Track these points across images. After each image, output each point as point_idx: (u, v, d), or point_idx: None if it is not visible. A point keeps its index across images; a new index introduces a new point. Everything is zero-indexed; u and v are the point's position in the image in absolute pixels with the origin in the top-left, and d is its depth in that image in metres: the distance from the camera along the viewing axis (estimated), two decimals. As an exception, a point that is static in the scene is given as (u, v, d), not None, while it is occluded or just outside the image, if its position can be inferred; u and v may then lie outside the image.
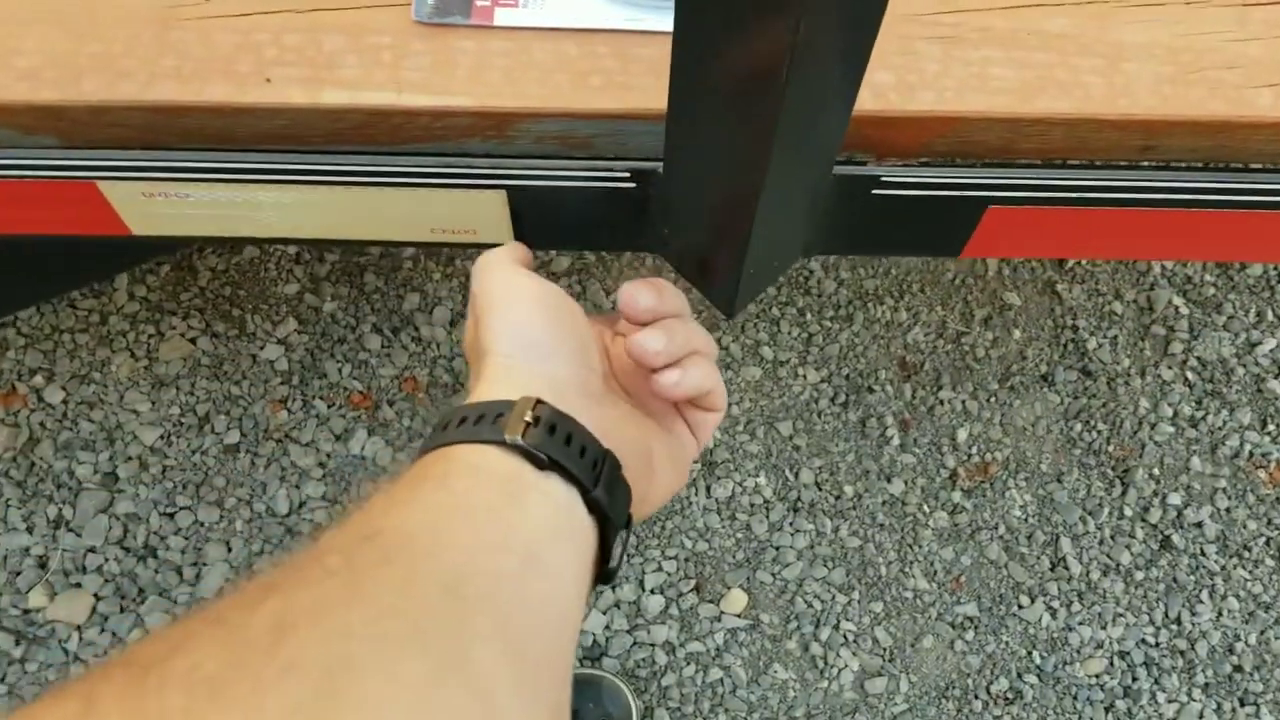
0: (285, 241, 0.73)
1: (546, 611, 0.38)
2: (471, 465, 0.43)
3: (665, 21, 0.66)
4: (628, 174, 0.64)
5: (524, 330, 0.50)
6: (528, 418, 0.43)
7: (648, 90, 0.66)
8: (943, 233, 0.69)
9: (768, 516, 1.26)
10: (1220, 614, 1.24)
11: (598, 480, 0.44)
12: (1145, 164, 0.70)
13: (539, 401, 0.44)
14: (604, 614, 1.21)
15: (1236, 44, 0.70)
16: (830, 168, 0.61)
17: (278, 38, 0.67)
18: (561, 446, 0.43)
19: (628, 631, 1.21)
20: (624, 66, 0.67)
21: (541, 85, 0.66)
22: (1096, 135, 0.69)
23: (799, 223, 0.65)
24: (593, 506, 0.44)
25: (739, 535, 1.25)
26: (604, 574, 0.46)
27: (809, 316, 1.34)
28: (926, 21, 0.68)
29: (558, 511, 0.43)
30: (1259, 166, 0.72)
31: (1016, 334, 1.35)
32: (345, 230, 0.70)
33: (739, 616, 1.23)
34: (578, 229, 0.68)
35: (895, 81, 0.66)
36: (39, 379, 1.27)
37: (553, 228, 0.69)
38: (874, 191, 0.64)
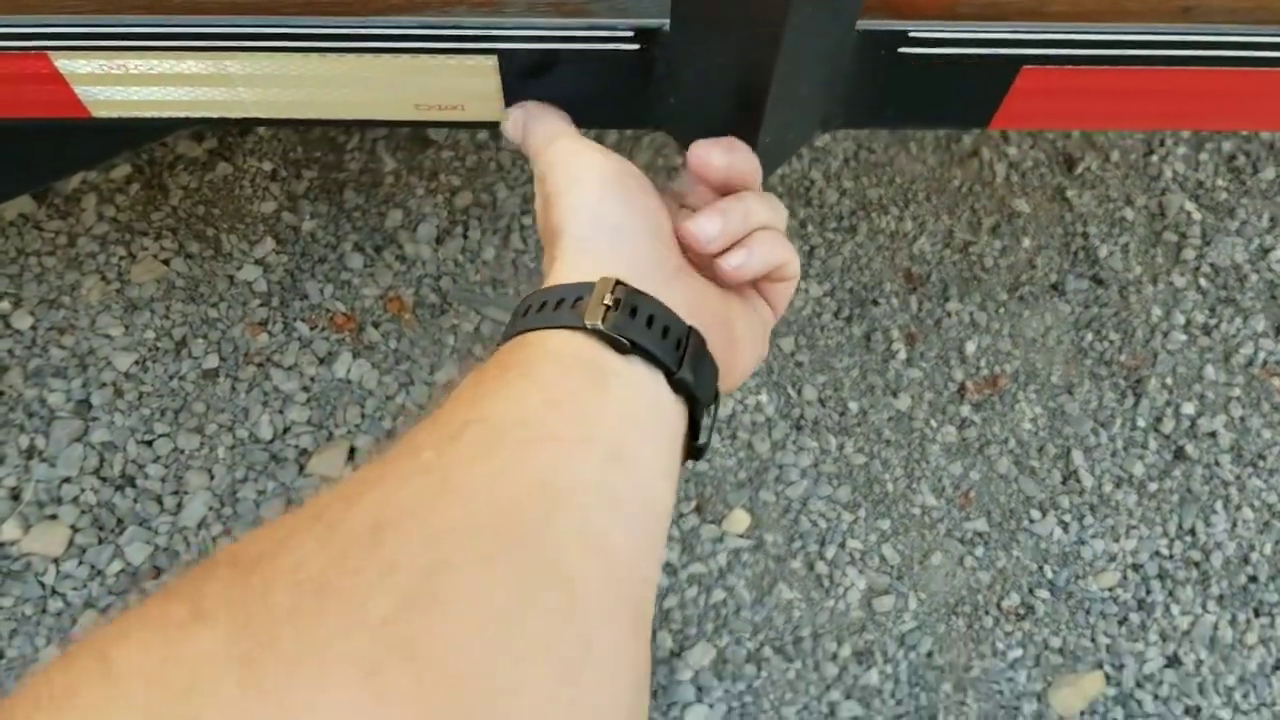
0: (258, 121, 0.67)
1: (632, 505, 0.38)
2: (552, 352, 0.42)
3: None
4: (631, 33, 0.58)
5: (598, 210, 0.48)
6: (607, 300, 0.42)
7: (654, -54, 0.60)
8: (973, 97, 0.63)
9: (770, 435, 1.22)
10: (1235, 525, 1.21)
11: (681, 360, 0.43)
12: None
13: (618, 283, 0.43)
14: (603, 536, 1.17)
15: (1288, -108, 0.64)
16: (854, 21, 0.56)
17: (243, -108, 0.61)
18: (643, 329, 0.42)
19: (628, 554, 1.17)
20: (625, -82, 0.61)
21: (534, -59, 0.60)
22: (1134, -6, 0.64)
23: (819, 87, 0.60)
24: (678, 387, 0.43)
25: (740, 454, 1.21)
26: (694, 450, 0.45)
27: (810, 228, 1.29)
28: None
29: (641, 396, 0.42)
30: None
31: (1026, 242, 1.31)
32: (322, 108, 0.64)
33: (742, 537, 1.19)
34: (577, 101, 0.63)
35: (918, -66, 0.61)
36: (5, 304, 1.21)
37: (549, 101, 0.63)
38: (900, 49, 0.58)
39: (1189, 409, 1.25)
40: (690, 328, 0.44)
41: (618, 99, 0.63)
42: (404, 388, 1.21)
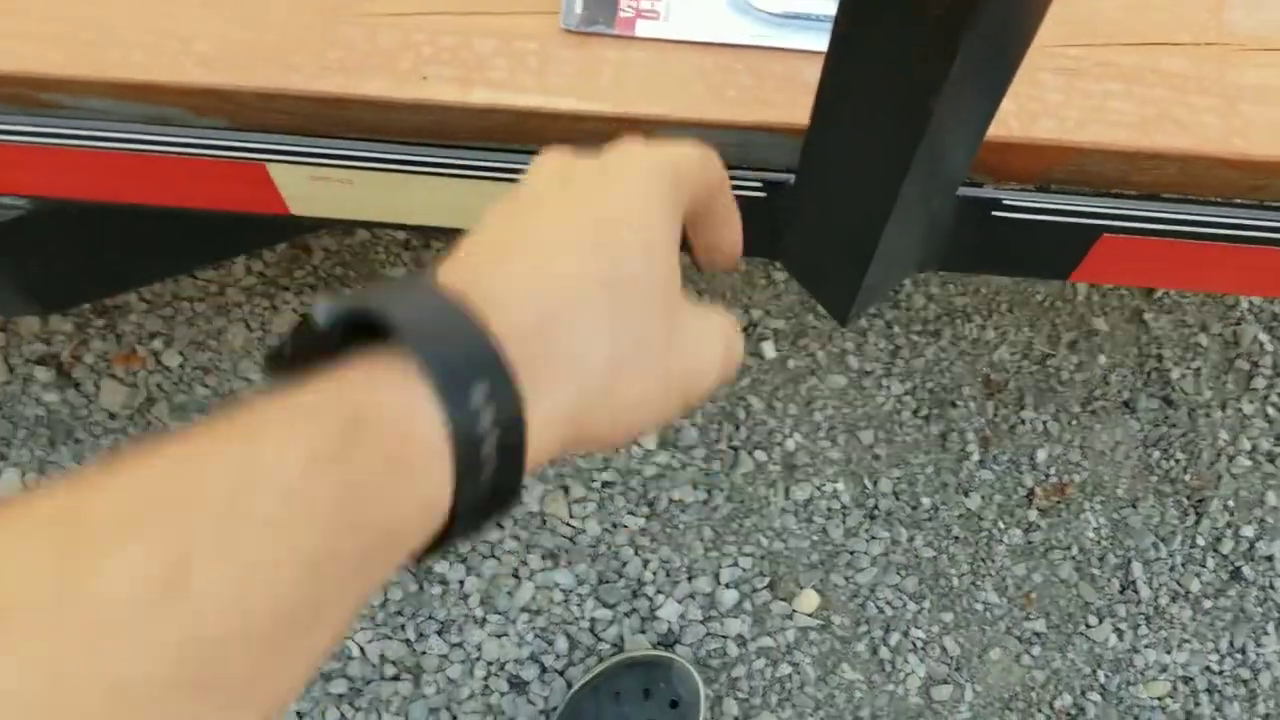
0: (430, 229, 0.78)
1: None
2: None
3: (792, 39, 0.70)
4: (760, 184, 0.68)
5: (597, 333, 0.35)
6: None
7: (780, 105, 0.70)
8: (1055, 256, 0.72)
9: (844, 522, 1.30)
10: (1287, 648, 1.26)
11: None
12: (1255, 203, 0.72)
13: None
14: (679, 603, 1.26)
15: (1351, 90, 0.72)
16: (955, 191, 0.65)
17: (434, 38, 0.72)
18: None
19: (701, 622, 1.25)
20: (758, 82, 0.71)
21: (679, 95, 0.70)
22: (1209, 173, 0.72)
23: (919, 240, 0.69)
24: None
25: (815, 538, 1.29)
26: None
27: (896, 329, 1.37)
28: (1051, 52, 0.72)
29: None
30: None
31: (1101, 359, 1.37)
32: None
33: (810, 616, 1.26)
34: (705, 232, 0.72)
35: (1017, 109, 0.70)
36: (158, 343, 1.34)
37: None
38: (994, 213, 0.67)
39: (1248, 532, 1.30)
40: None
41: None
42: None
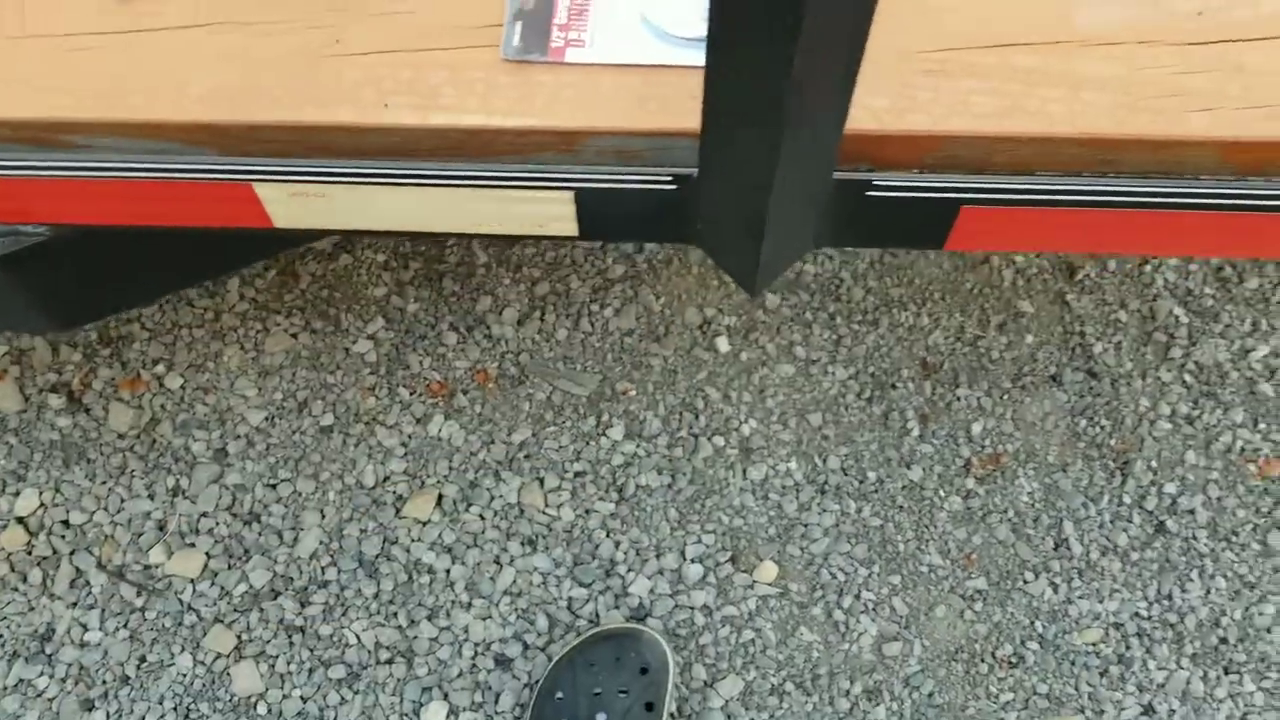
0: (396, 234, 0.90)
1: None
2: None
3: (702, 59, 0.82)
4: (670, 178, 0.80)
5: None
6: None
7: (691, 114, 0.82)
8: (926, 228, 0.84)
9: (798, 497, 1.41)
10: (1208, 592, 1.37)
11: None
12: (1091, 173, 0.84)
13: None
14: (649, 579, 1.37)
15: (1178, 76, 0.84)
16: (830, 175, 0.77)
17: (393, 72, 0.84)
18: None
19: (670, 595, 1.36)
20: (672, 94, 0.83)
21: (605, 110, 0.82)
22: (1060, 151, 0.84)
23: (807, 219, 0.81)
24: None
25: (771, 513, 1.40)
26: None
27: (839, 320, 1.49)
28: (919, 58, 0.84)
29: None
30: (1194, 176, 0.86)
31: (1029, 338, 1.49)
32: (442, 224, 0.87)
33: (770, 585, 1.37)
34: (629, 222, 0.85)
35: (890, 106, 0.82)
36: (160, 367, 1.46)
37: (609, 221, 0.85)
38: (868, 193, 0.79)
39: (1170, 489, 1.42)
40: None
41: (659, 221, 0.85)
42: (486, 445, 1.43)
